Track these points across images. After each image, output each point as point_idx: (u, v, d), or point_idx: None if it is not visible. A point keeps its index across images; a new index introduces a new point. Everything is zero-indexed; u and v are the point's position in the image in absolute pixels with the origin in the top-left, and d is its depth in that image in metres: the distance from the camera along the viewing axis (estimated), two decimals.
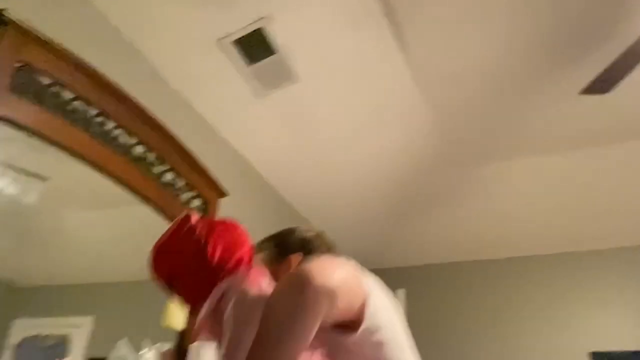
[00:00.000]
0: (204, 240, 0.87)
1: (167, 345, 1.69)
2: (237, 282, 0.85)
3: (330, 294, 0.73)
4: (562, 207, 3.02)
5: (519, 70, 2.15)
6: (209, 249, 0.86)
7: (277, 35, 1.97)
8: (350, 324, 0.81)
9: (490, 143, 2.61)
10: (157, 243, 0.92)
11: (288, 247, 1.13)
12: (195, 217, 0.91)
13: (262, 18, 1.90)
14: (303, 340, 0.71)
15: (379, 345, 0.84)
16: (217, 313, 0.83)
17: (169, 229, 0.92)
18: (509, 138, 2.57)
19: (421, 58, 2.12)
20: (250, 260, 0.91)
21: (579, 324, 3.22)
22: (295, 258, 1.10)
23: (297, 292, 0.72)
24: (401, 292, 3.27)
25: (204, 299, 0.84)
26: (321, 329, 0.74)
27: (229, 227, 0.91)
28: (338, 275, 0.77)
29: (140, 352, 1.55)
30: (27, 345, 1.36)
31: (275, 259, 1.13)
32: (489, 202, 3.07)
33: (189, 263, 0.88)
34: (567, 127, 2.46)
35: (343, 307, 0.78)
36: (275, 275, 1.01)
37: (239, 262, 0.88)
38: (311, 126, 2.49)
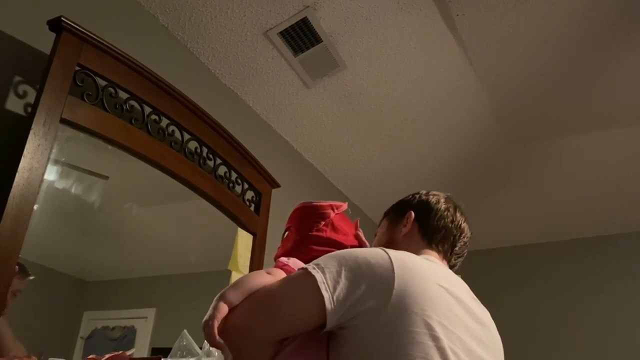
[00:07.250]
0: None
1: None
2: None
3: None
4: None
5: (589, 37, 2.02)
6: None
7: (322, 22, 1.95)
8: None
9: (555, 118, 2.48)
10: (304, 202, 1.12)
11: (406, 205, 1.17)
12: (341, 209, 1.10)
13: (306, 7, 1.89)
14: None
15: None
16: None
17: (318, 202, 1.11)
18: (582, 110, 2.43)
19: (474, 35, 2.04)
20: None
21: None
22: (410, 214, 1.12)
23: None
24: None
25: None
26: None
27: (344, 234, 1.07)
28: None
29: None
30: (97, 336, 1.43)
31: (395, 220, 1.16)
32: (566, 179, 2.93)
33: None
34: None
35: None
36: (393, 237, 1.12)
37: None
38: (362, 113, 2.46)
